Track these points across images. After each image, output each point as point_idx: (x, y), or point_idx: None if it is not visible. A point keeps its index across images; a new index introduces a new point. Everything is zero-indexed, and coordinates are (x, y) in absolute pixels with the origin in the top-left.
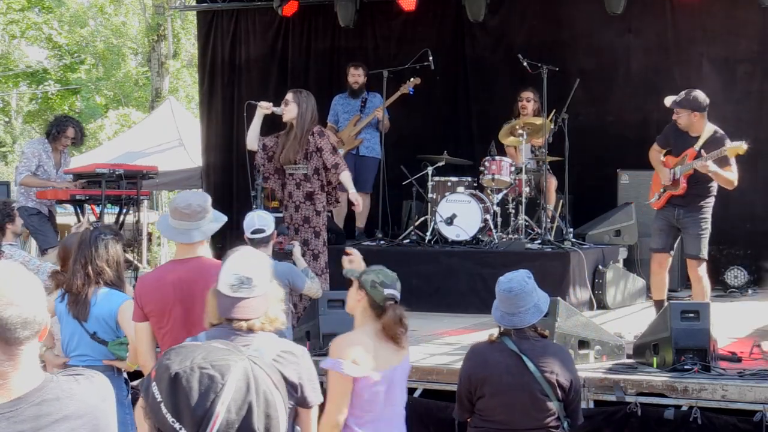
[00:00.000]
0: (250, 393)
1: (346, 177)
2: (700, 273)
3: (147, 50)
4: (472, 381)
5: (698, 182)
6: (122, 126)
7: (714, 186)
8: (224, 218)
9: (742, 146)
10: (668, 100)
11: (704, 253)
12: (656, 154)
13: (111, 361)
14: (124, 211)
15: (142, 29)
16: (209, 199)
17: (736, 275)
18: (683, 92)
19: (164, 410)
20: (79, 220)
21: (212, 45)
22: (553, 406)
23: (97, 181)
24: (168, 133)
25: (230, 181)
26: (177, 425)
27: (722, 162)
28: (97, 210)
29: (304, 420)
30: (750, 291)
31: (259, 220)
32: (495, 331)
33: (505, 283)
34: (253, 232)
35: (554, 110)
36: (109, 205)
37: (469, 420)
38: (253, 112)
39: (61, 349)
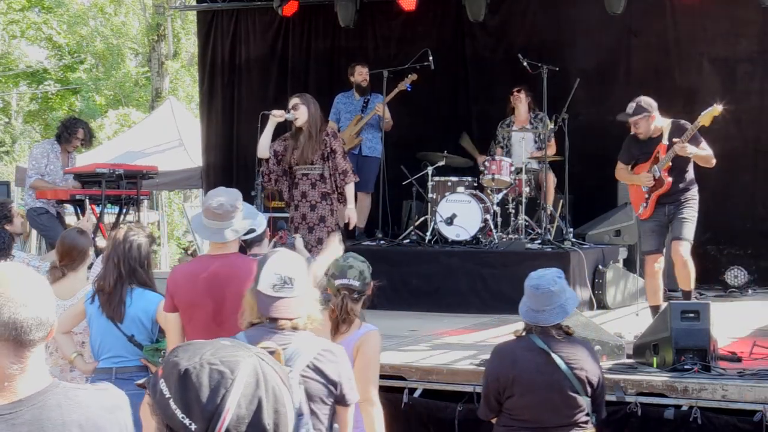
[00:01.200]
0: (259, 388)
1: (350, 189)
2: (685, 256)
3: (147, 50)
4: (501, 381)
5: (680, 173)
6: (122, 126)
7: (692, 175)
8: (256, 214)
9: (716, 108)
10: (622, 117)
11: (689, 235)
12: (623, 171)
13: (147, 362)
14: (124, 211)
15: (142, 29)
16: (240, 196)
17: (736, 275)
18: (630, 104)
19: (173, 406)
20: (78, 220)
21: (212, 45)
22: (583, 402)
23: (97, 181)
24: (168, 133)
25: (230, 181)
26: (187, 421)
27: (694, 141)
28: (97, 210)
29: (342, 417)
30: (750, 291)
31: None
32: (520, 326)
33: (534, 279)
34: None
35: (553, 116)
36: (109, 205)
37: (493, 420)
38: (264, 123)
39: (91, 352)
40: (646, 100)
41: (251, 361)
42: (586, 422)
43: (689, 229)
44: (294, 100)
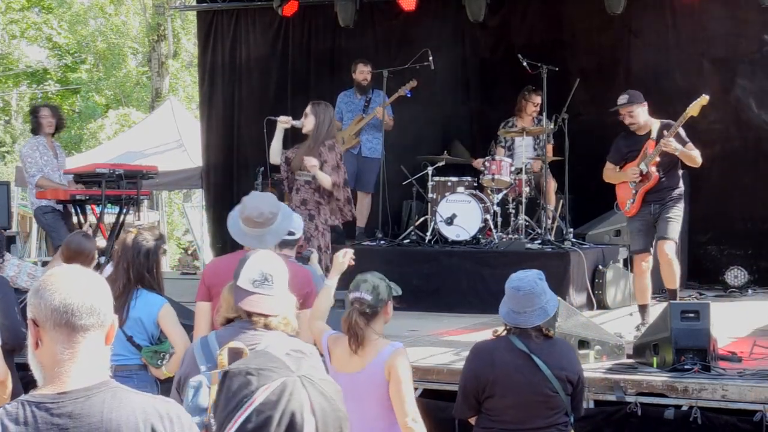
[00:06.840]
0: (276, 408)
1: (325, 178)
2: (670, 254)
3: (147, 50)
4: (480, 380)
5: (667, 170)
6: (122, 126)
7: (680, 176)
8: (291, 215)
9: (704, 98)
10: (617, 108)
11: (674, 234)
12: (610, 171)
13: (147, 363)
14: (124, 211)
15: (143, 29)
16: (275, 199)
17: (736, 275)
18: (622, 96)
19: (213, 403)
20: (79, 221)
21: (212, 45)
22: (563, 402)
23: (97, 181)
24: (168, 133)
25: (230, 181)
26: (212, 420)
27: (680, 141)
28: (97, 210)
29: None
30: (750, 291)
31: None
32: (500, 328)
33: (515, 280)
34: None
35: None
36: (109, 205)
37: (470, 420)
38: (273, 128)
39: None
40: (636, 91)
41: (284, 380)
42: (565, 423)
43: (674, 229)
44: (307, 108)
